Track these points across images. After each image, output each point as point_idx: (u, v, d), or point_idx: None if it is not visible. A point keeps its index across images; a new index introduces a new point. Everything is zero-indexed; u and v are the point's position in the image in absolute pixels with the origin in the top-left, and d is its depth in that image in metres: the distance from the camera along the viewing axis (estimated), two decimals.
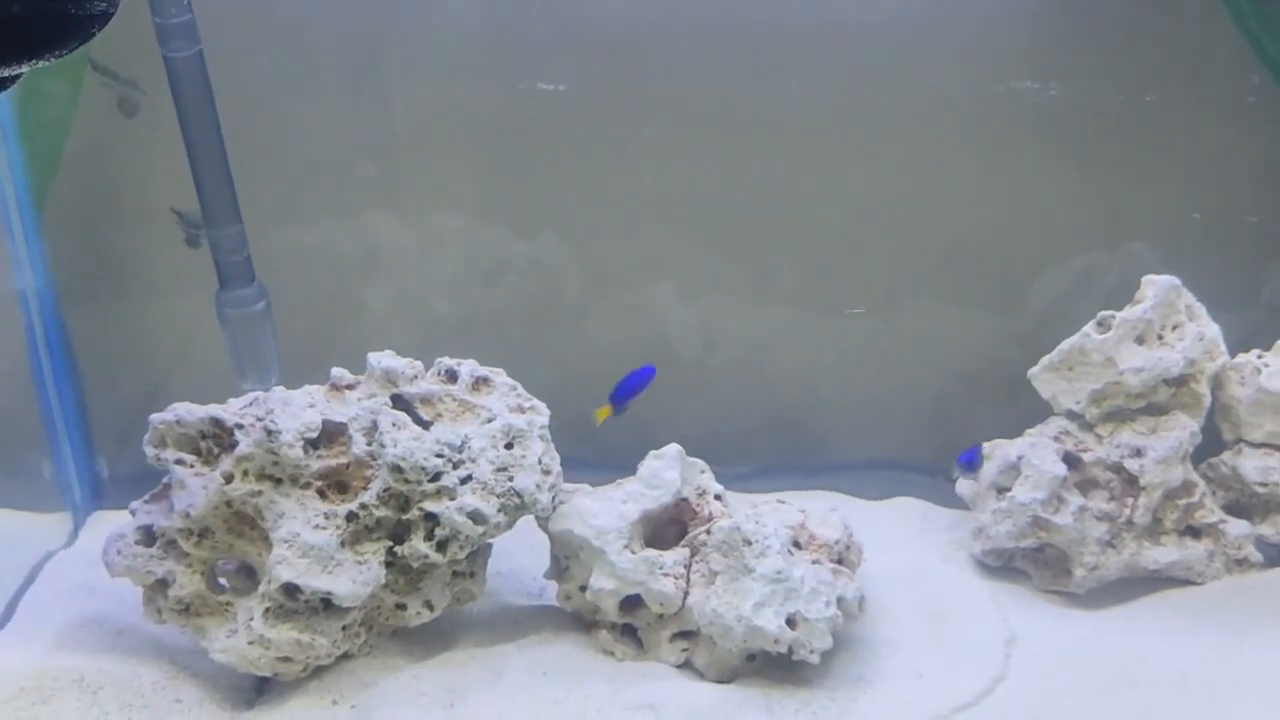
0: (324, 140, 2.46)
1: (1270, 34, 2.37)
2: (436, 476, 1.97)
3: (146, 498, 2.04)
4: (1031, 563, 2.34)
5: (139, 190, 2.45)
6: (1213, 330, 2.32)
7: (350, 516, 1.96)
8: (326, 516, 1.95)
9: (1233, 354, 2.34)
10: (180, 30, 1.79)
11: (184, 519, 1.94)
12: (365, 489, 1.98)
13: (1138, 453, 2.28)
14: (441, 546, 1.98)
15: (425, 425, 2.04)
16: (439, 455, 1.98)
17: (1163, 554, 2.28)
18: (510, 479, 2.01)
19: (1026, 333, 2.55)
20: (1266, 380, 2.30)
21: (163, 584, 1.97)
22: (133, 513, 2.02)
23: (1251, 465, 2.32)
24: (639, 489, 2.09)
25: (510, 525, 2.03)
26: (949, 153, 2.50)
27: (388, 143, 2.49)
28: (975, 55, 2.44)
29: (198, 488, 1.95)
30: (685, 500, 2.13)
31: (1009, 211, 2.53)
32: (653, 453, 2.14)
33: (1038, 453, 2.28)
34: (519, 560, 2.30)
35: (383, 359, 2.10)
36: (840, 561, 2.09)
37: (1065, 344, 2.31)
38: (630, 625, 2.08)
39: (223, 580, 2.02)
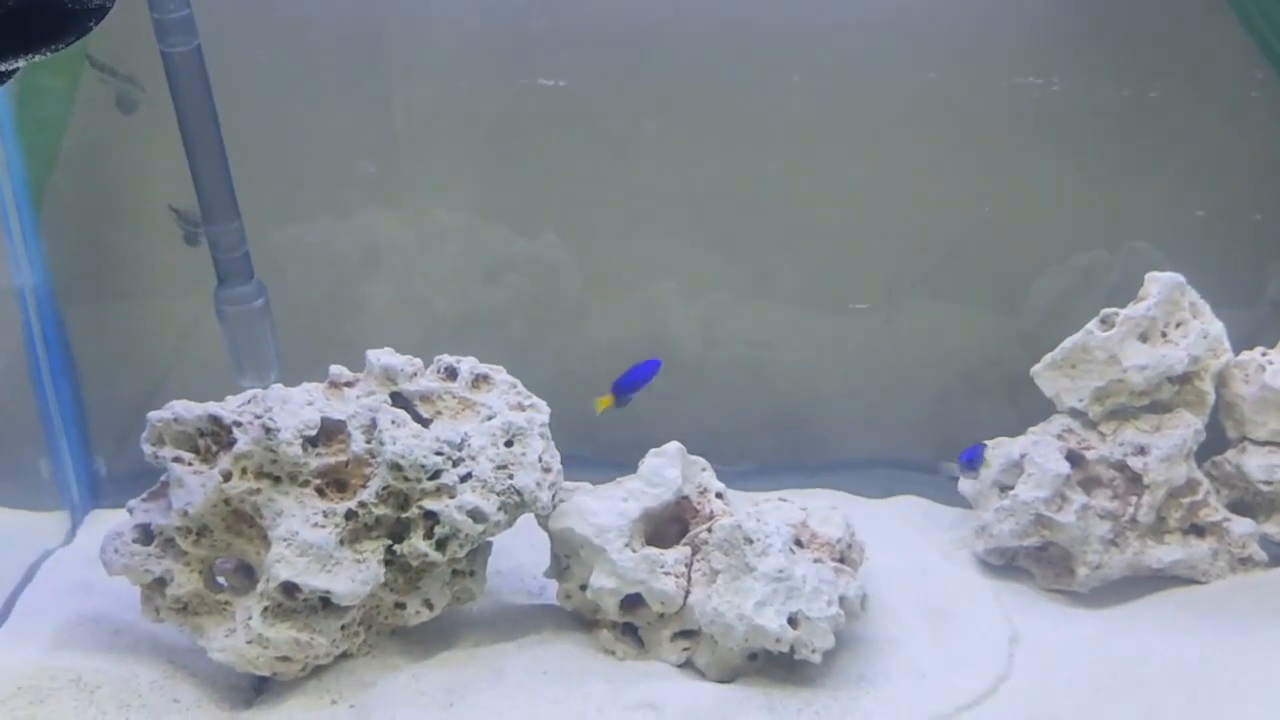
0: (323, 137, 2.46)
1: (1275, 30, 2.36)
2: (436, 474, 1.96)
3: (144, 496, 2.03)
4: (1034, 561, 2.33)
5: (137, 187, 2.45)
6: (1216, 328, 2.31)
7: (349, 515, 1.95)
8: (325, 515, 1.94)
9: (1236, 351, 2.33)
10: (178, 25, 1.79)
11: (182, 517, 1.94)
12: (364, 487, 1.97)
13: (1141, 451, 2.27)
14: (441, 545, 1.97)
15: (425, 423, 2.04)
16: (438, 453, 1.97)
17: (1166, 553, 2.27)
18: (510, 477, 2.00)
19: (1029, 331, 2.55)
20: (1271, 378, 2.29)
21: (161, 583, 1.97)
22: (130, 511, 2.02)
23: (1256, 463, 2.31)
24: (640, 487, 2.09)
25: (510, 523, 2.02)
26: (950, 150, 2.49)
27: (387, 139, 2.49)
28: (977, 52, 2.44)
29: (196, 486, 1.94)
30: (686, 498, 2.12)
31: (1011, 209, 2.53)
32: (653, 450, 2.13)
33: (1041, 451, 2.27)
34: (519, 559, 2.29)
35: (382, 356, 2.09)
36: (842, 560, 2.08)
37: (1068, 341, 2.30)
38: (631, 624, 2.07)
39: (221, 579, 2.01)
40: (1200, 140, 2.48)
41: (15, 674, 1.95)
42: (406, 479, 1.96)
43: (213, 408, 1.99)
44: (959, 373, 2.63)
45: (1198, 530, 2.31)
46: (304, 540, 1.91)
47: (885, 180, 2.51)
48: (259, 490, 1.94)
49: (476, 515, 1.96)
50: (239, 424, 1.96)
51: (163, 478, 2.01)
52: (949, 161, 2.50)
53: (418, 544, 1.97)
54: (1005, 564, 2.36)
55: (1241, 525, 2.30)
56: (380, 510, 1.96)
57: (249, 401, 2.00)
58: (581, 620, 2.12)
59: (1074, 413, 2.34)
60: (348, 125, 2.47)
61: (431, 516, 1.97)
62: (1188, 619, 2.20)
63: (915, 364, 2.63)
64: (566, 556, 2.10)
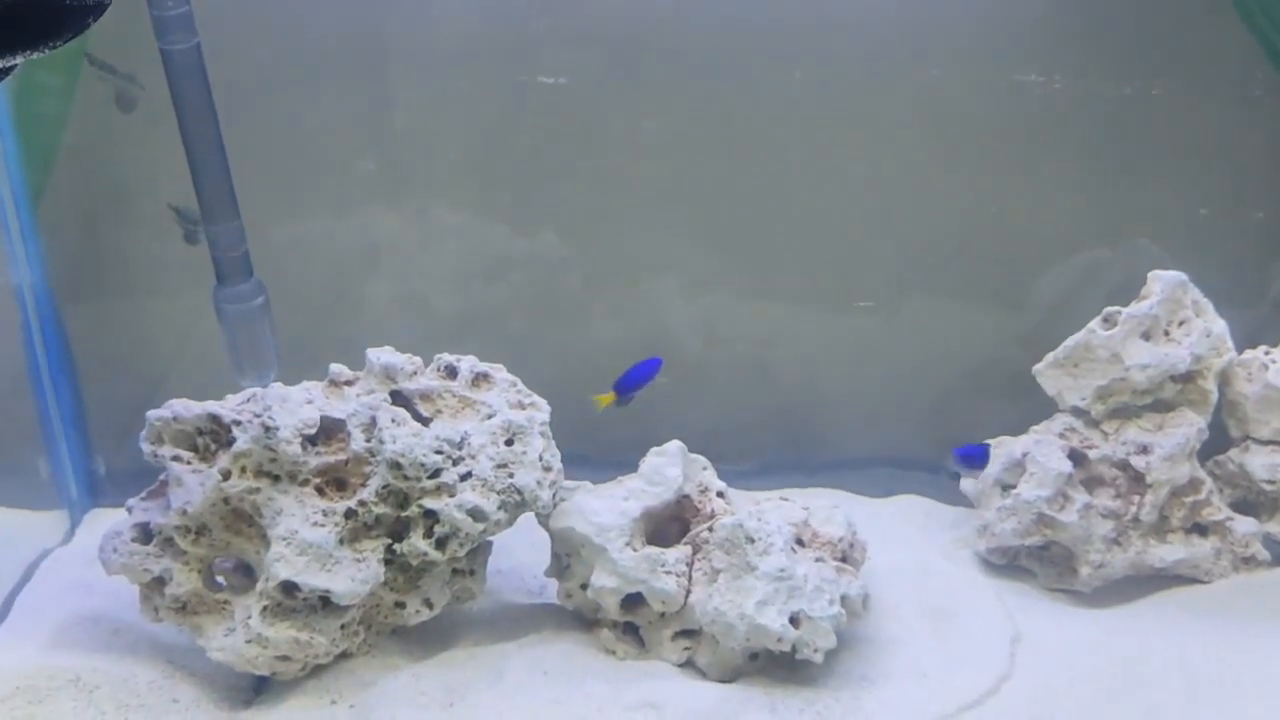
0: (323, 135, 2.45)
1: (1277, 27, 2.35)
2: (436, 473, 1.95)
3: (143, 495, 2.03)
4: (1037, 561, 2.32)
5: (136, 186, 2.45)
6: (1220, 326, 2.30)
7: (349, 514, 1.95)
8: (325, 514, 1.94)
9: (1240, 350, 2.33)
10: (178, 22, 1.78)
11: (181, 516, 1.93)
12: (364, 486, 1.97)
13: (1144, 450, 2.27)
14: (441, 544, 1.97)
15: (425, 421, 2.03)
16: (438, 452, 1.97)
17: (1169, 552, 2.27)
18: (510, 476, 2.00)
19: (1031, 329, 2.54)
20: (1274, 377, 2.28)
21: (160, 582, 1.97)
22: (129, 510, 2.02)
23: (1259, 462, 2.30)
24: (641, 486, 2.08)
25: (510, 522, 2.02)
26: (952, 147, 2.49)
27: (387, 137, 2.48)
28: (978, 50, 2.43)
29: (195, 485, 1.94)
30: (687, 497, 2.12)
31: (1013, 207, 2.52)
32: (654, 449, 2.13)
33: (1043, 450, 2.26)
34: (519, 558, 2.29)
35: (382, 355, 2.08)
36: (844, 559, 2.08)
37: (1070, 340, 2.30)
38: (632, 624, 2.07)
39: (220, 578, 2.01)
40: (1203, 138, 2.47)
41: (13, 674, 1.95)
42: (406, 478, 1.95)
43: (212, 406, 1.99)
44: (961, 371, 2.63)
45: (1200, 530, 2.30)
46: (303, 539, 1.90)
47: (887, 178, 2.51)
48: (258, 489, 1.93)
49: (477, 514, 1.96)
50: (238, 423, 1.95)
51: (162, 476, 2.01)
52: (950, 159, 2.50)
53: (418, 543, 1.96)
54: (1007, 563, 2.35)
55: (1244, 524, 2.29)
56: (380, 509, 1.96)
57: (248, 400, 2.00)
58: (582, 620, 2.12)
59: (1076, 411, 2.33)
60: (347, 123, 2.46)
61: (431, 515, 1.96)
62: (1190, 619, 2.19)
63: (917, 363, 2.63)
64: (567, 555, 2.09)
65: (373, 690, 1.96)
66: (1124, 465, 2.28)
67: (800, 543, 2.05)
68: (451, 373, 2.12)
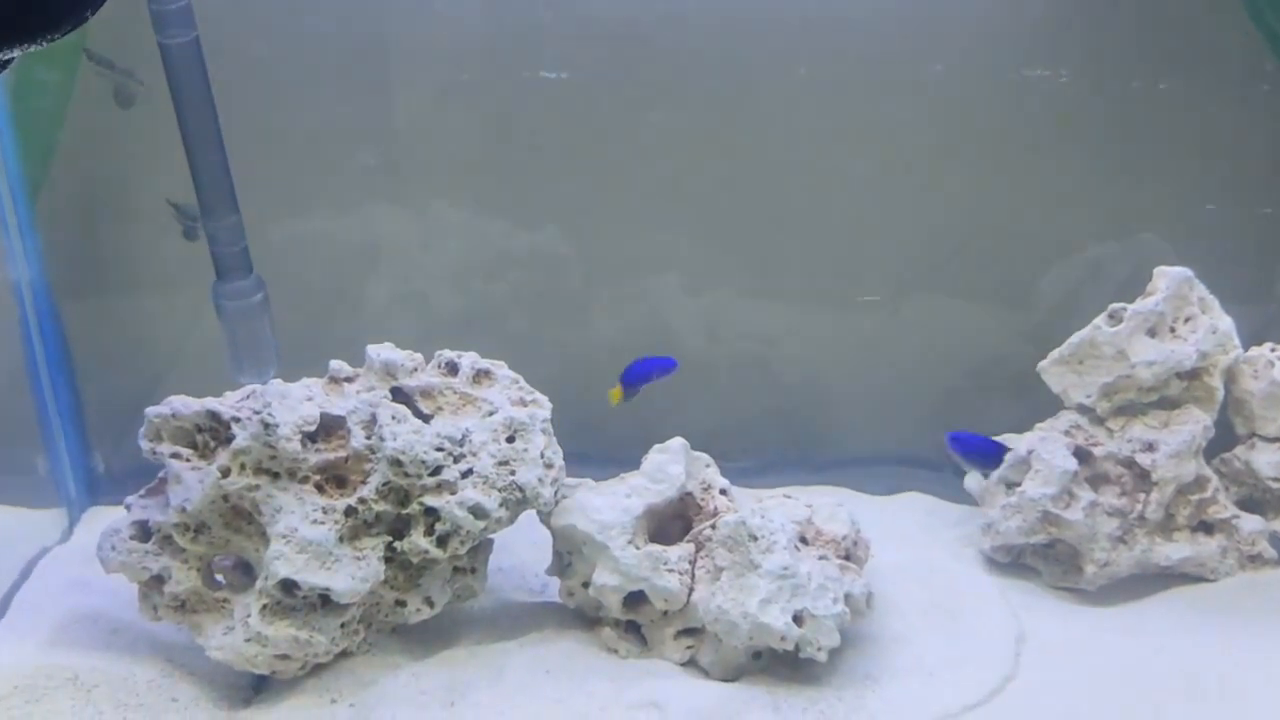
0: (323, 130, 2.44)
1: None
2: (437, 470, 1.95)
3: (142, 492, 2.03)
4: (1041, 559, 2.31)
5: (135, 182, 2.44)
6: (1226, 323, 2.29)
7: (349, 511, 1.94)
8: (325, 511, 1.93)
9: (1246, 347, 2.31)
10: (176, 16, 1.78)
11: (180, 514, 1.93)
12: (364, 483, 1.96)
13: (1150, 447, 2.26)
14: (442, 542, 1.96)
15: (425, 418, 2.03)
16: (439, 449, 1.96)
17: (1175, 550, 2.26)
18: (512, 473, 1.99)
19: (1036, 326, 2.53)
20: None
21: (158, 580, 1.96)
22: (128, 508, 2.01)
23: (1265, 460, 2.29)
24: (643, 483, 2.08)
25: (512, 520, 2.01)
26: (957, 143, 2.48)
27: (388, 132, 2.47)
28: (984, 43, 2.42)
29: (194, 482, 1.93)
30: (690, 495, 2.11)
31: (1018, 202, 2.51)
32: (657, 446, 2.12)
33: (1048, 447, 2.26)
34: (521, 556, 2.28)
35: (382, 351, 2.08)
36: (847, 557, 2.07)
37: (1076, 337, 2.29)
38: (634, 622, 2.06)
39: (219, 576, 2.00)
40: (1209, 134, 2.46)
41: (11, 672, 1.94)
42: (407, 475, 1.94)
43: (211, 403, 1.98)
44: (965, 368, 2.62)
45: (1206, 527, 2.30)
46: (303, 537, 1.90)
47: (890, 174, 2.50)
48: (258, 486, 1.92)
49: (478, 512, 1.95)
50: (237, 420, 1.95)
51: (160, 474, 2.00)
52: (955, 155, 2.49)
53: (418, 541, 1.95)
54: (1012, 561, 2.34)
55: (1251, 522, 2.28)
56: (380, 506, 1.95)
57: (248, 397, 1.99)
58: (584, 618, 2.11)
59: (1081, 409, 2.32)
60: (348, 118, 2.45)
61: (432, 513, 1.95)
62: (1196, 617, 2.19)
63: (921, 360, 2.62)
64: (569, 553, 2.08)
65: (373, 689, 1.95)
66: (1129, 463, 2.27)
67: (804, 541, 2.04)
68: (452, 369, 2.11)
